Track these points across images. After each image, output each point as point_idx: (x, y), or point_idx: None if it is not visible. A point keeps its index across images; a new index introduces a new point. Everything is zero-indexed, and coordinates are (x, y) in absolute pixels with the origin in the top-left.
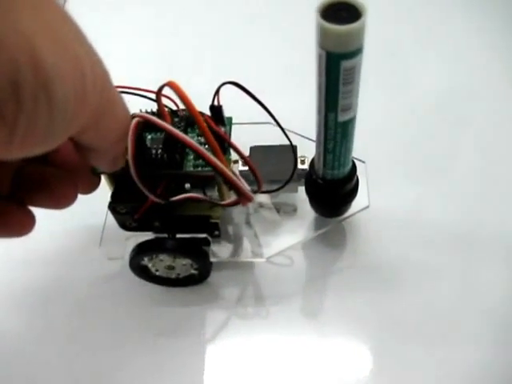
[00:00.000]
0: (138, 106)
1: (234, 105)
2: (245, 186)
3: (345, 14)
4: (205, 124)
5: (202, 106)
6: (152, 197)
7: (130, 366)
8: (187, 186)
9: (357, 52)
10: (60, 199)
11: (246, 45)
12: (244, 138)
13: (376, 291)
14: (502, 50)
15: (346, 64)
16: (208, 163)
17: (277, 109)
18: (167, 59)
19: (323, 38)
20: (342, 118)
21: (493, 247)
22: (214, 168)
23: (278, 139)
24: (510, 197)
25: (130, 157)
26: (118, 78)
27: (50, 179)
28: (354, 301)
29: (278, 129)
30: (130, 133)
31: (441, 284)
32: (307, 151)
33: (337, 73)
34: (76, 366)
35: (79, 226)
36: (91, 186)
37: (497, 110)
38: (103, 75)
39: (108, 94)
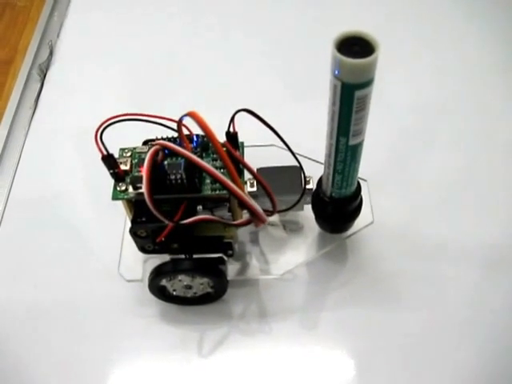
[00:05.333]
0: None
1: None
2: (259, 209)
3: (358, 48)
4: (224, 152)
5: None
6: (166, 221)
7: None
8: (199, 208)
9: (369, 82)
10: None
11: (252, 72)
12: (248, 160)
13: (378, 308)
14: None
15: (359, 93)
16: (226, 188)
17: (281, 133)
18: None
19: (340, 69)
20: (352, 141)
21: (498, 262)
22: (232, 193)
23: (281, 161)
24: (508, 210)
25: (144, 184)
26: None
27: None
28: (357, 317)
29: (282, 151)
30: (147, 159)
31: (444, 299)
32: (310, 171)
33: (350, 101)
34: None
35: (97, 252)
36: None
37: (486, 124)
38: None
39: None
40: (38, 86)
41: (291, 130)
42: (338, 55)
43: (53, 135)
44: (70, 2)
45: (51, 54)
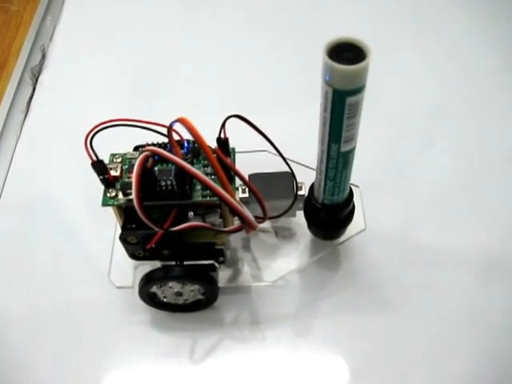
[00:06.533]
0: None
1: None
2: (250, 215)
3: (349, 54)
4: (214, 158)
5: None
6: (156, 228)
7: None
8: (190, 214)
9: (361, 89)
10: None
11: (244, 77)
12: (240, 166)
13: (371, 315)
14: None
15: (350, 100)
16: (216, 195)
17: (272, 138)
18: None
19: (331, 76)
20: (344, 148)
21: (491, 268)
22: (222, 199)
23: (273, 166)
24: (501, 215)
25: (133, 190)
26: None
27: None
28: (349, 323)
29: (273, 157)
30: (137, 166)
31: (438, 306)
32: (302, 177)
33: (342, 108)
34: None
35: (88, 257)
36: None
37: (482, 130)
38: None
39: None
40: (30, 89)
41: (283, 135)
42: (329, 61)
43: (44, 139)
44: (63, 7)
45: (44, 57)
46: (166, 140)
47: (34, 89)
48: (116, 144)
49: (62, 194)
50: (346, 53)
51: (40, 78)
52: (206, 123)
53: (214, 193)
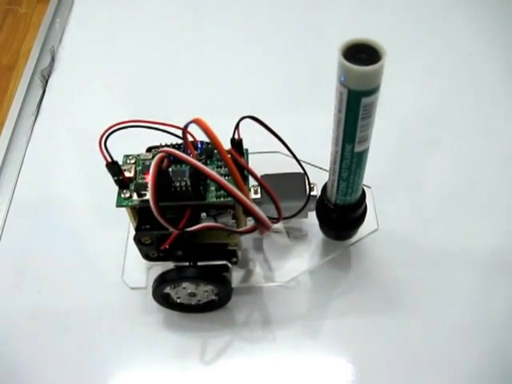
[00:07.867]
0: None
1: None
2: (264, 216)
3: (364, 55)
4: (230, 159)
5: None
6: (172, 229)
7: None
8: (203, 214)
9: (376, 89)
10: None
11: (257, 78)
12: (252, 166)
13: (382, 315)
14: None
15: (365, 100)
16: (232, 196)
17: (285, 139)
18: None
19: (346, 77)
20: (358, 148)
21: (502, 268)
22: (238, 200)
23: (285, 167)
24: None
25: (150, 191)
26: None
27: None
28: (361, 324)
29: (286, 157)
30: (153, 167)
31: (448, 307)
32: (314, 178)
33: (357, 108)
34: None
35: (101, 259)
36: None
37: (489, 130)
38: None
39: None
40: (40, 91)
41: (296, 136)
42: (345, 62)
43: (55, 141)
44: (72, 9)
45: (53, 60)
46: (178, 141)
47: (44, 91)
48: (128, 145)
49: (72, 194)
50: (361, 54)
51: (50, 80)
52: (218, 125)
53: (230, 193)
